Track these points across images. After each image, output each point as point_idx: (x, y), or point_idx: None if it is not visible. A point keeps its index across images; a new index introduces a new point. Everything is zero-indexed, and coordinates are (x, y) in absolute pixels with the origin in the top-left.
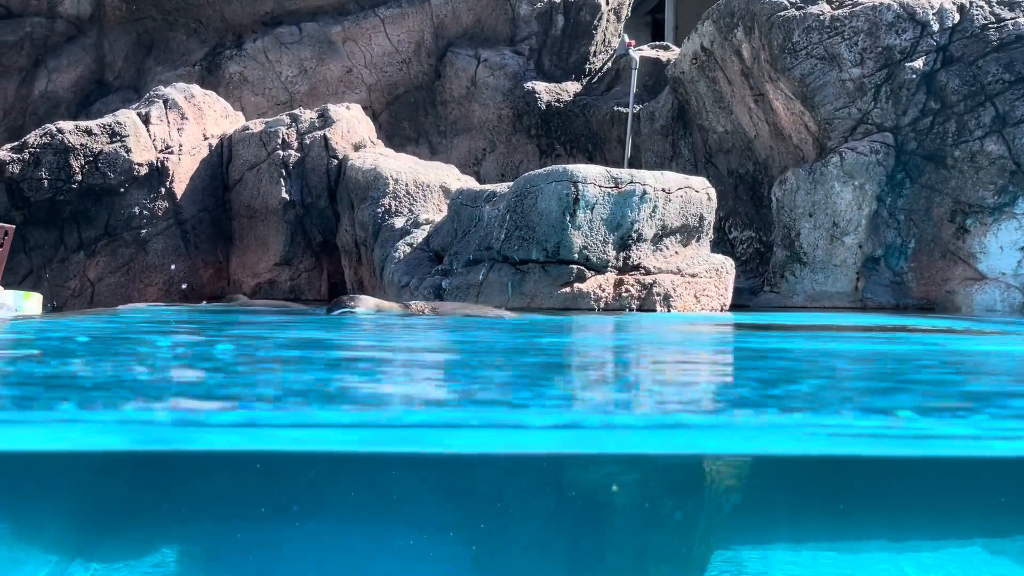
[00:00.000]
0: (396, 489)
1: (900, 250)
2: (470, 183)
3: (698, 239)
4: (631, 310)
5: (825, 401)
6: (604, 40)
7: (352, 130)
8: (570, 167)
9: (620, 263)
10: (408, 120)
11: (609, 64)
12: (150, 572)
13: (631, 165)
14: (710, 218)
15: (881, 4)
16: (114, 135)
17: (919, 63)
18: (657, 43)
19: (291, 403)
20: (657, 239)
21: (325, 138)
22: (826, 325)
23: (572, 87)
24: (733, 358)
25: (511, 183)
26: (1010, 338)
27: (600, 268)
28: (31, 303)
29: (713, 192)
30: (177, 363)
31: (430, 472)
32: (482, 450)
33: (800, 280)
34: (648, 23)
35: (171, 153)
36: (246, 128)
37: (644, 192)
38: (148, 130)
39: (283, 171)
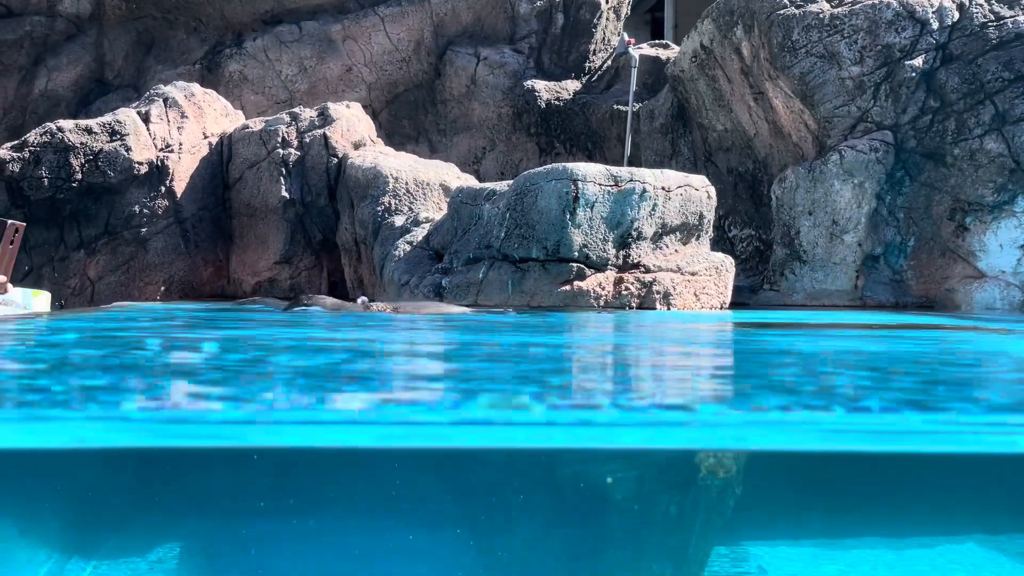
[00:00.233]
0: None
1: (900, 248)
2: (470, 181)
3: (698, 237)
4: (631, 308)
5: (828, 397)
6: (604, 38)
7: (352, 128)
8: (570, 165)
9: (620, 261)
10: (408, 119)
11: (609, 62)
12: (150, 569)
13: (631, 163)
14: (710, 216)
15: (880, 2)
16: (114, 134)
17: (919, 61)
18: (657, 41)
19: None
20: (657, 237)
21: (325, 136)
22: (831, 323)
23: (572, 85)
24: (723, 354)
25: (511, 181)
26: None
27: (600, 266)
28: (40, 301)
29: (713, 190)
30: (174, 360)
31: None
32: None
33: (800, 278)
34: (648, 21)
35: (171, 152)
36: (246, 127)
37: (644, 190)
38: (148, 129)
39: (283, 169)
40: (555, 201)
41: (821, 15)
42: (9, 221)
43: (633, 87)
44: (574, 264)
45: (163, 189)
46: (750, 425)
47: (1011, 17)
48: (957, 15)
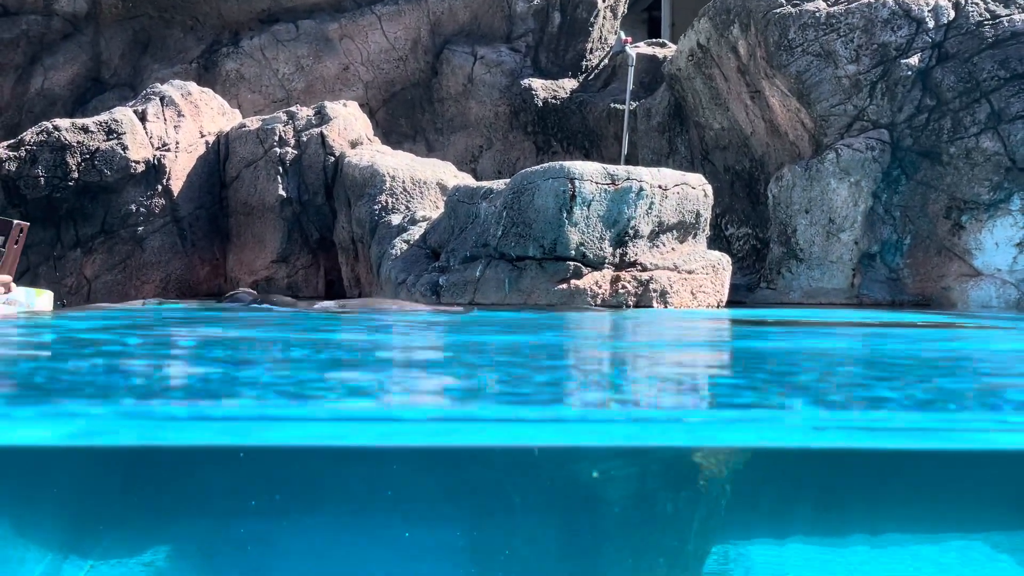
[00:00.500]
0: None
1: (896, 246)
2: (467, 180)
3: (695, 235)
4: (628, 307)
5: (822, 394)
6: (600, 37)
7: (349, 127)
8: (567, 164)
9: (617, 260)
10: (405, 117)
11: (606, 61)
12: (145, 569)
13: (628, 162)
14: (706, 214)
15: (876, 1)
16: (111, 132)
17: (914, 60)
18: (653, 40)
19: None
20: (654, 236)
21: (322, 135)
22: (827, 321)
23: (569, 84)
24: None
25: (508, 180)
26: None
27: (597, 265)
28: (42, 300)
29: (709, 188)
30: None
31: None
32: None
33: (796, 276)
34: (644, 20)
35: (168, 150)
36: (243, 125)
37: (641, 189)
38: (145, 127)
39: (280, 168)
40: (552, 200)
41: (817, 14)
42: (15, 221)
43: (630, 86)
44: (571, 263)
45: (160, 188)
46: (728, 423)
47: (1007, 16)
48: (953, 14)
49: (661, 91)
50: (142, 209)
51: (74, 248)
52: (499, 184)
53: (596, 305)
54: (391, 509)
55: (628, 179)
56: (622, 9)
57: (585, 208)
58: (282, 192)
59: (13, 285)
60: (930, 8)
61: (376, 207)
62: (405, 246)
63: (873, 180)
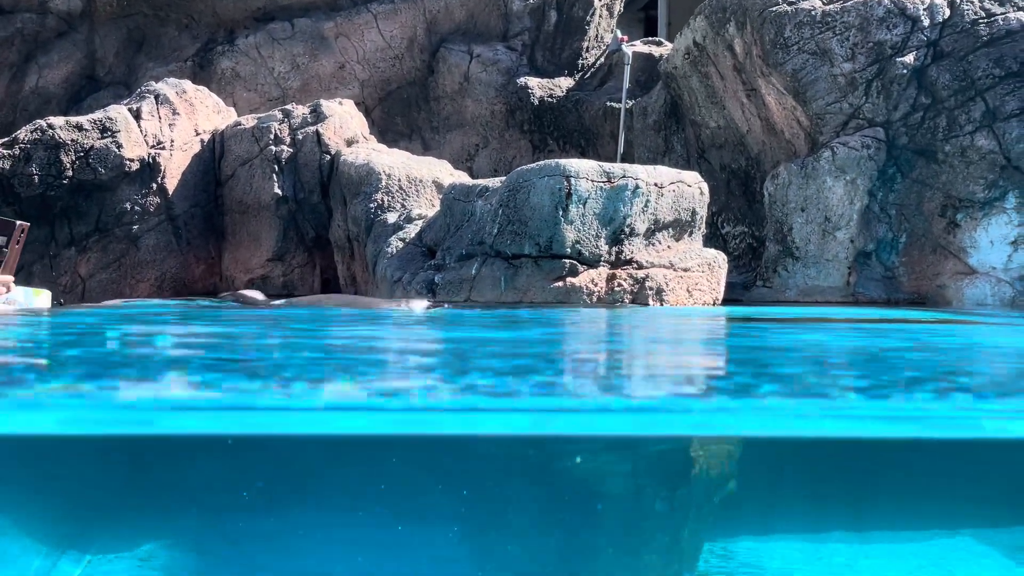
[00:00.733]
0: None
1: (891, 244)
2: (463, 178)
3: (690, 233)
4: (623, 304)
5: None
6: (597, 36)
7: (345, 125)
8: (562, 161)
9: (612, 257)
10: (401, 116)
11: (602, 59)
12: (142, 562)
13: (624, 160)
14: (702, 212)
15: None
16: (105, 131)
17: (910, 58)
18: (650, 38)
19: None
20: (649, 233)
21: (317, 133)
22: (821, 318)
23: (565, 82)
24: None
25: (504, 178)
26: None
27: (592, 262)
28: (40, 300)
29: (705, 186)
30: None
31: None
32: None
33: (792, 275)
34: (641, 19)
35: (163, 149)
36: (238, 124)
37: (636, 186)
38: (139, 125)
39: (275, 167)
40: (548, 197)
41: (813, 12)
42: (16, 222)
43: (626, 84)
44: (567, 260)
45: (155, 186)
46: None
47: (1002, 14)
48: (948, 12)
49: (657, 89)
50: (137, 207)
51: (68, 247)
52: (495, 182)
53: (593, 303)
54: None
55: (624, 177)
56: (618, 8)
57: (581, 206)
58: (278, 190)
59: (13, 285)
60: (925, 6)
61: (372, 205)
62: (401, 244)
63: (869, 178)
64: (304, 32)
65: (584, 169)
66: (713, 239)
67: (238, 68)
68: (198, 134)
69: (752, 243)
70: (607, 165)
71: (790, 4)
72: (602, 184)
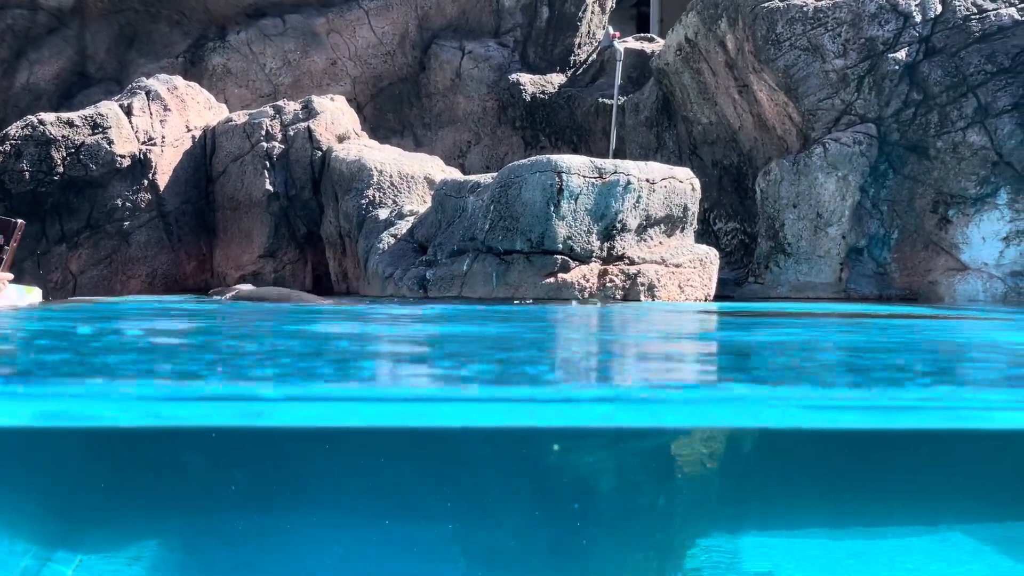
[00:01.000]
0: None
1: (883, 241)
2: (454, 174)
3: (682, 229)
4: (615, 300)
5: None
6: (589, 32)
7: (336, 121)
8: (554, 157)
9: (604, 253)
10: (393, 112)
11: (594, 56)
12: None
13: (616, 157)
14: (694, 208)
15: None
16: (96, 127)
17: (902, 54)
18: (641, 35)
19: None
20: (641, 229)
21: (309, 130)
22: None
23: (557, 79)
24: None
25: (495, 174)
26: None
27: (584, 258)
28: (32, 297)
29: (697, 182)
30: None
31: None
32: None
33: (784, 271)
34: (633, 16)
35: (154, 145)
36: (229, 120)
37: (628, 182)
38: (130, 122)
39: (267, 163)
40: (539, 193)
41: (805, 8)
42: (16, 221)
43: (618, 80)
44: (558, 256)
45: (146, 182)
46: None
47: (993, 10)
48: (940, 8)
49: (649, 86)
50: (128, 204)
51: (59, 243)
52: (486, 178)
53: (584, 299)
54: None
55: (615, 172)
56: (610, 4)
57: (572, 202)
58: (269, 187)
59: (7, 283)
60: (917, 3)
61: (363, 201)
62: (392, 240)
63: (860, 174)
64: (296, 28)
65: (576, 165)
66: (705, 235)
67: (229, 64)
68: (189, 130)
69: (744, 239)
70: (599, 161)
71: (782, 0)
72: (594, 180)
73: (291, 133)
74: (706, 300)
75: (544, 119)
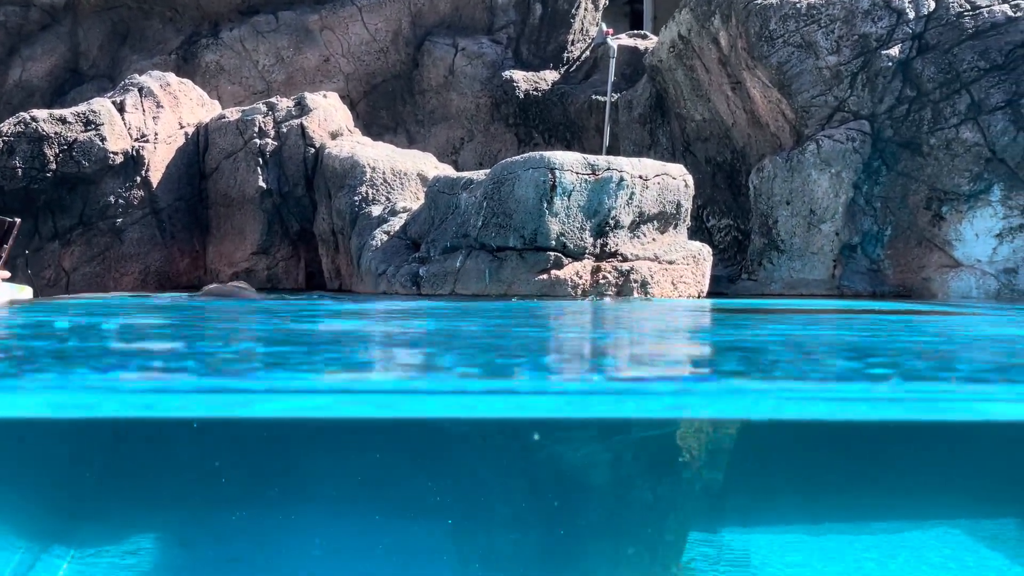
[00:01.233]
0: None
1: (876, 237)
2: (447, 171)
3: (675, 226)
4: (608, 297)
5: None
6: (582, 29)
7: (329, 118)
8: (547, 154)
9: (597, 250)
10: (386, 109)
11: (587, 53)
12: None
13: (609, 154)
14: (687, 205)
15: None
16: (89, 123)
17: (895, 51)
18: (635, 32)
19: None
20: (634, 226)
21: (302, 126)
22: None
23: (550, 76)
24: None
25: (488, 170)
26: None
27: (577, 255)
28: (23, 295)
29: (690, 179)
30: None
31: None
32: None
33: (777, 267)
34: (626, 13)
35: (147, 142)
36: (222, 116)
37: (621, 179)
38: (123, 118)
39: (260, 160)
40: (532, 190)
41: (798, 5)
42: (15, 220)
43: (611, 77)
44: (551, 253)
45: (139, 179)
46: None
47: (987, 7)
48: (933, 5)
49: (643, 83)
50: (120, 201)
51: (52, 240)
52: (479, 174)
53: (577, 296)
54: None
55: (608, 169)
56: (603, 1)
57: (565, 198)
58: (262, 183)
59: (2, 280)
60: None
61: (356, 198)
62: (385, 237)
63: (854, 171)
64: (289, 25)
65: (569, 161)
66: (698, 232)
67: (222, 61)
68: (182, 127)
69: (737, 236)
70: (592, 157)
71: None
72: (587, 176)
73: (284, 130)
74: (699, 297)
75: (537, 116)
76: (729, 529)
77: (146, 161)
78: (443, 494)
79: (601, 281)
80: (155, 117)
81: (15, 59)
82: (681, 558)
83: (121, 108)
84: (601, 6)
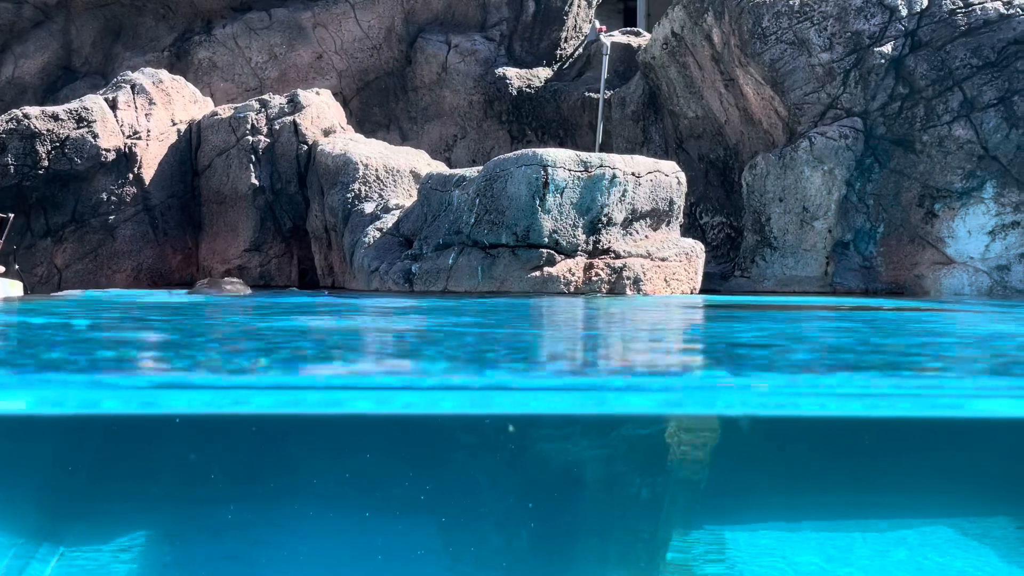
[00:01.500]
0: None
1: (869, 235)
2: (440, 168)
3: (668, 223)
4: (600, 294)
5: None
6: (575, 26)
7: (322, 115)
8: (539, 151)
9: (590, 247)
10: (379, 106)
11: (580, 50)
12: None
13: (602, 151)
14: (680, 202)
15: None
16: (81, 120)
17: (888, 48)
18: (628, 29)
19: None
20: (627, 223)
21: (295, 123)
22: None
23: (543, 73)
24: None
25: (481, 167)
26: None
27: (570, 252)
28: (14, 290)
29: (683, 176)
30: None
31: None
32: None
33: (770, 264)
34: (620, 10)
35: (139, 139)
36: (215, 113)
37: (614, 176)
38: (115, 115)
39: (252, 157)
40: (525, 187)
41: (791, 2)
42: (9, 216)
43: (604, 74)
44: (544, 250)
45: (131, 176)
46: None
47: (979, 4)
48: (926, 2)
49: (636, 80)
50: (113, 198)
51: (44, 237)
52: (472, 171)
53: (570, 293)
54: None
55: (601, 166)
56: None
57: (558, 195)
58: (255, 181)
59: None
60: None
61: (349, 195)
62: (378, 234)
63: (847, 168)
64: (282, 22)
65: (561, 158)
66: (691, 229)
67: (215, 58)
68: (175, 124)
69: (730, 233)
70: (584, 154)
71: None
72: (579, 173)
73: (276, 127)
74: (692, 294)
75: (530, 113)
76: (730, 528)
77: (138, 158)
78: (428, 487)
79: (594, 278)
80: (148, 114)
81: (7, 56)
82: (668, 553)
83: (114, 105)
84: (594, 3)
